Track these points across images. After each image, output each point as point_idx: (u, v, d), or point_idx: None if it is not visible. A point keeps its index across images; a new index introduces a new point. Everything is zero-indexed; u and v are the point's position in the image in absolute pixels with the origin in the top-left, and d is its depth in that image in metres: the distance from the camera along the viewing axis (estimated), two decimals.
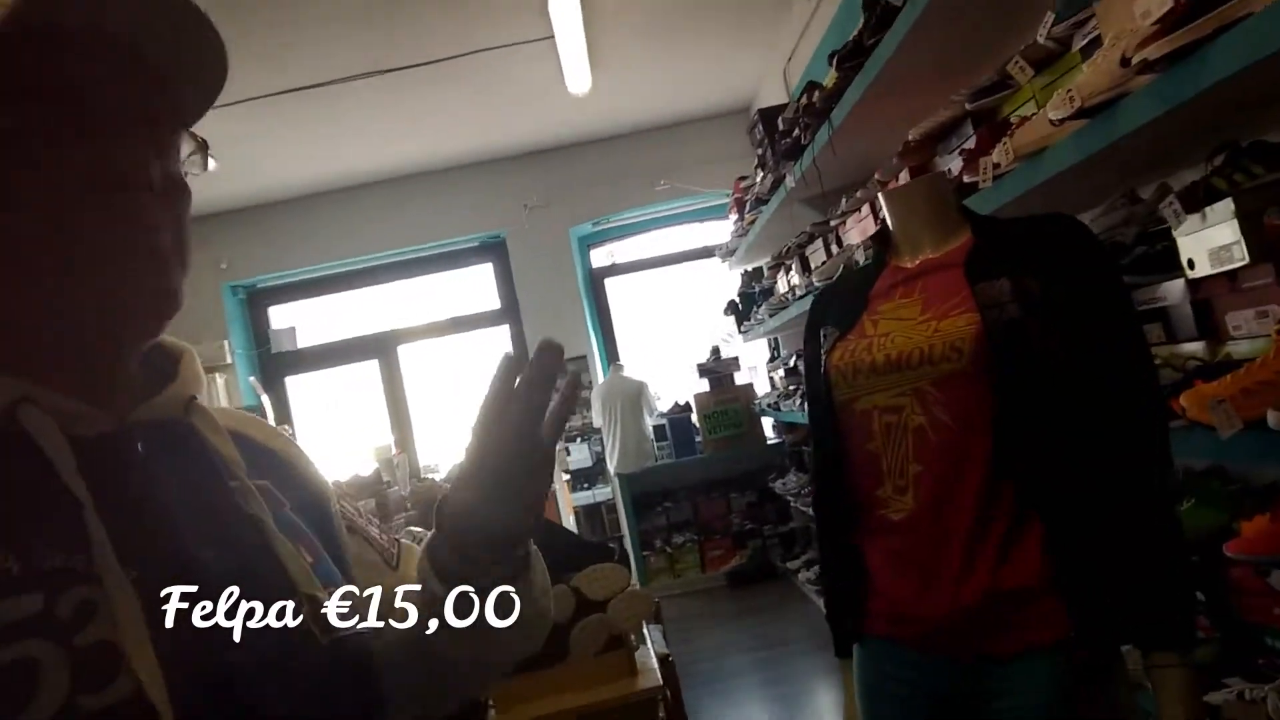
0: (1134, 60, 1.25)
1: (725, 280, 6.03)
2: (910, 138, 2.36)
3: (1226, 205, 1.37)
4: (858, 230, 3.15)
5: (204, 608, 0.55)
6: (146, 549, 0.55)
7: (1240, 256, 1.36)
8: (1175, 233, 1.52)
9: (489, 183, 6.14)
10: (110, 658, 0.50)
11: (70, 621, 0.50)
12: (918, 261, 1.25)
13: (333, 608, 0.62)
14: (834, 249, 3.43)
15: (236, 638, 0.56)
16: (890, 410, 1.16)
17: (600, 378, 6.19)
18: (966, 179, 1.88)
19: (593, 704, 2.00)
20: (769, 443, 5.90)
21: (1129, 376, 1.11)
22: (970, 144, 2.08)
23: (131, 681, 0.50)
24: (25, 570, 0.50)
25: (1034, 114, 1.78)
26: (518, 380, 0.65)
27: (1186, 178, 1.76)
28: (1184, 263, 1.51)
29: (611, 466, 6.00)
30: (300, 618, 0.60)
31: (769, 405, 5.39)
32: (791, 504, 5.32)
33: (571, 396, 0.67)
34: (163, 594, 0.53)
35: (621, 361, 6.17)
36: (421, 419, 6.57)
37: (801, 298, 3.78)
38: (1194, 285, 1.52)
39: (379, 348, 6.51)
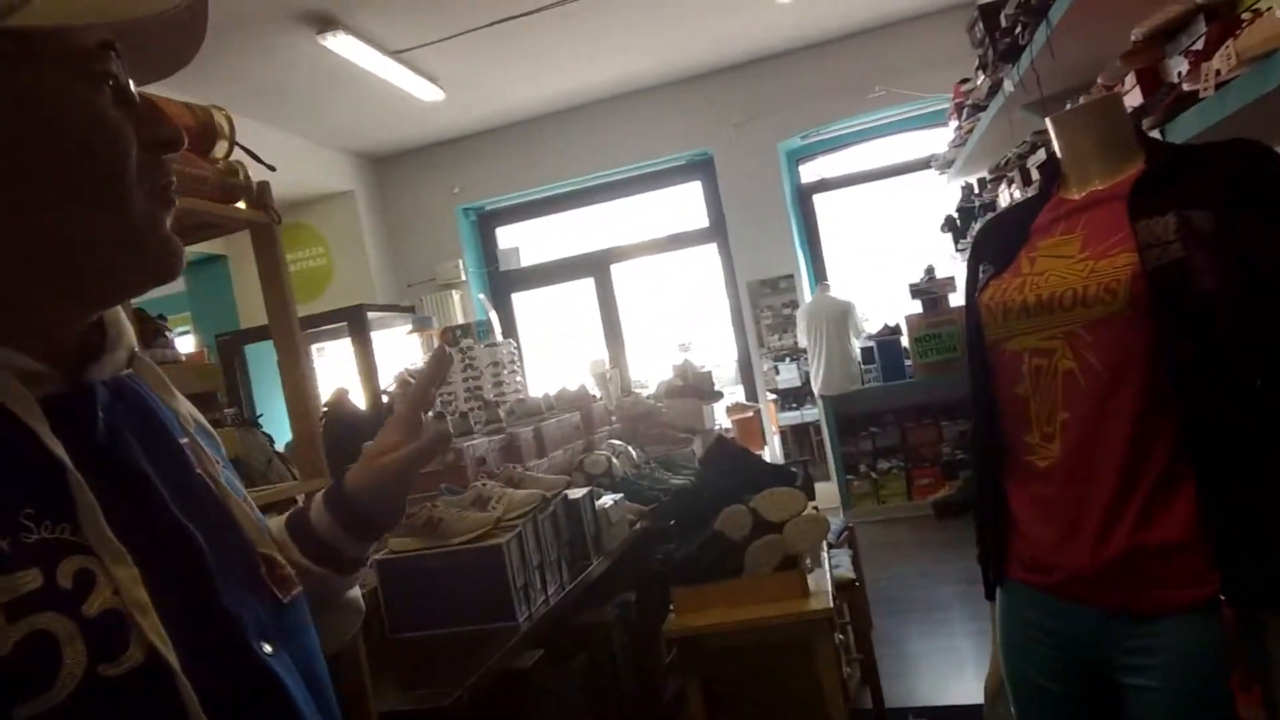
0: None
1: (942, 194, 5.66)
2: (1134, 36, 2.09)
3: None
4: None
5: (193, 569, 0.55)
6: (129, 512, 0.53)
7: None
8: None
9: (695, 100, 6.12)
10: (119, 625, 0.49)
11: (73, 592, 0.48)
12: (1084, 194, 1.15)
13: (288, 566, 0.64)
14: None
15: (226, 596, 0.56)
16: (1040, 353, 1.11)
17: (807, 297, 6.11)
18: (1187, 87, 1.65)
19: (763, 618, 2.09)
20: None
21: None
22: (1199, 44, 1.81)
23: (143, 647, 0.49)
24: (15, 545, 0.47)
25: (1270, 8, 1.53)
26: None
27: None
28: None
29: (816, 388, 5.96)
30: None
31: None
32: None
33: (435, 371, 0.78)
34: (154, 559, 0.53)
35: (829, 281, 6.04)
36: (633, 335, 6.84)
37: None
38: None
39: (595, 266, 6.81)
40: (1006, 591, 1.22)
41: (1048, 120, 1.22)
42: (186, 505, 0.57)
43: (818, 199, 6.45)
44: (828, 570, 2.37)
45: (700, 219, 6.62)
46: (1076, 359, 1.07)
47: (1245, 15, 1.59)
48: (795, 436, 6.85)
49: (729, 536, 2.20)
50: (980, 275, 1.22)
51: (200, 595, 0.54)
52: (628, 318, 6.84)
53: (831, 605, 2.11)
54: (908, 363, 5.70)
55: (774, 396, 6.51)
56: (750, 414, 6.00)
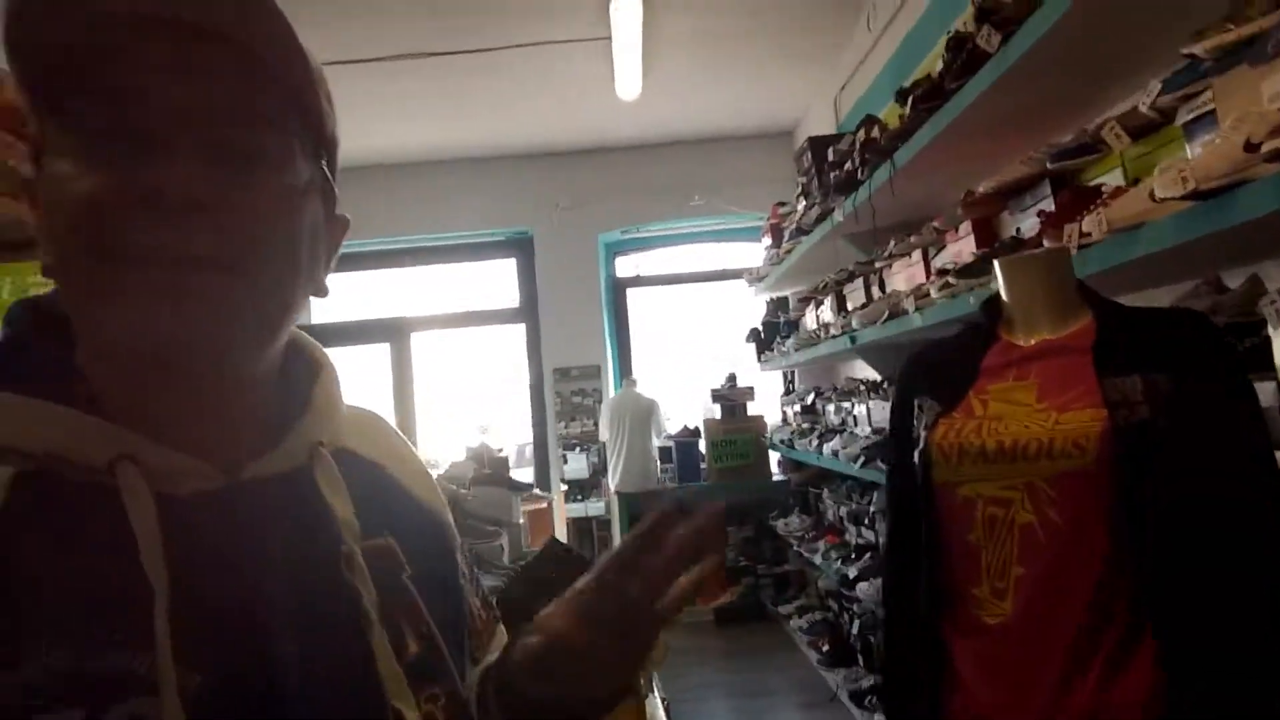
0: (1266, 147, 1.14)
1: (748, 305, 5.92)
2: (980, 190, 2.25)
3: None
4: (904, 276, 3.03)
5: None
6: (222, 647, 0.49)
7: None
8: (1272, 333, 1.40)
9: (524, 177, 6.05)
10: None
11: None
12: (1034, 341, 1.14)
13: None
14: (875, 291, 3.31)
15: None
16: (997, 502, 1.06)
17: (612, 391, 6.08)
18: (1046, 243, 1.76)
19: None
20: (774, 479, 5.77)
21: (1263, 491, 0.99)
22: (1047, 205, 1.96)
23: None
24: (74, 673, 0.44)
25: (1122, 184, 1.68)
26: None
27: (1274, 271, 1.65)
28: (1278, 364, 1.40)
29: (613, 483, 5.89)
30: None
31: (780, 441, 5.27)
32: (791, 547, 5.20)
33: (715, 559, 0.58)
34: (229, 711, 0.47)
35: (635, 377, 6.06)
36: (426, 409, 6.46)
37: (834, 336, 3.66)
38: None
39: (393, 331, 6.41)
40: None
41: (995, 263, 1.21)
42: (309, 635, 0.52)
43: (631, 293, 6.52)
44: (657, 695, 2.20)
45: (511, 297, 6.47)
46: (1036, 512, 1.03)
47: (1104, 187, 1.74)
48: (578, 529, 6.70)
49: None
50: (920, 409, 1.17)
51: None
52: (422, 390, 6.47)
53: None
54: (703, 466, 5.79)
55: (564, 487, 6.36)
56: (544, 505, 5.78)
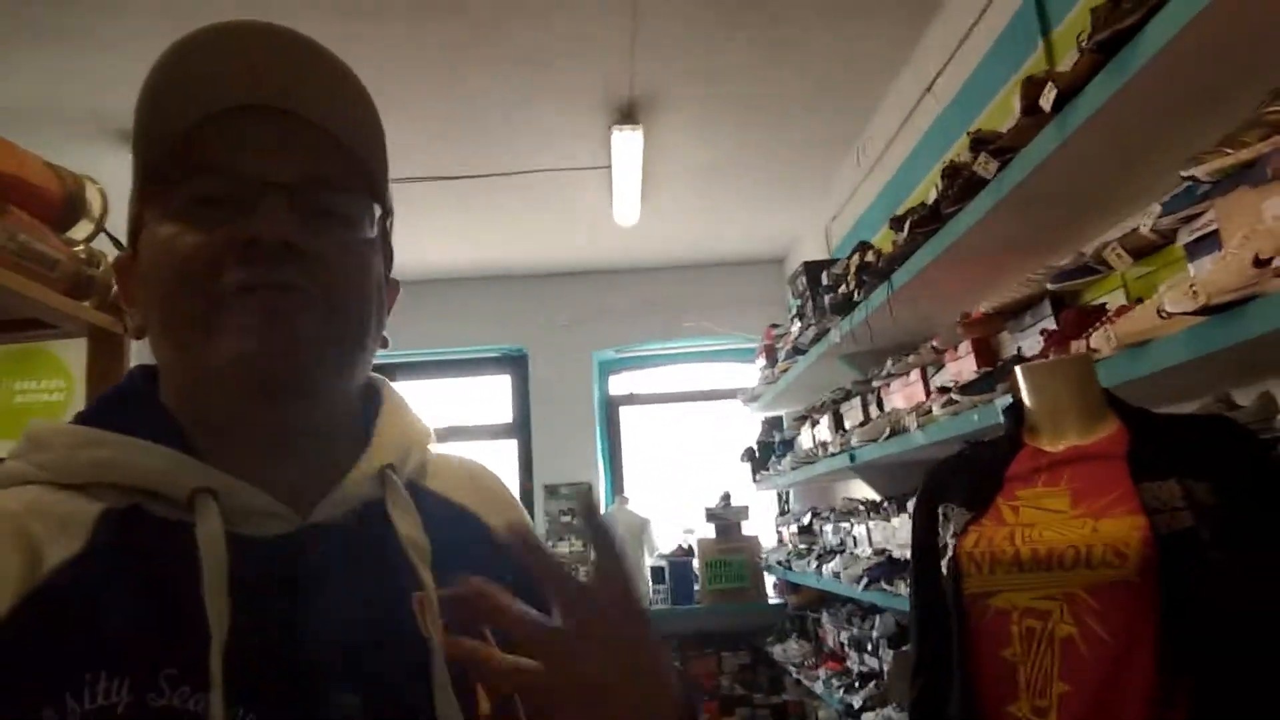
0: (1277, 262, 1.18)
1: (743, 425, 5.92)
2: (981, 310, 2.30)
3: None
4: (902, 395, 3.06)
5: None
6: (276, 691, 0.50)
7: None
8: None
9: (523, 296, 6.15)
10: None
11: None
12: (1062, 448, 1.13)
13: None
14: (873, 410, 3.33)
15: None
16: (1033, 614, 1.02)
17: (604, 509, 5.98)
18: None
19: None
20: (770, 602, 5.62)
21: None
22: (1049, 324, 2.01)
23: None
24: (136, 706, 0.46)
25: (1124, 303, 1.72)
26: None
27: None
28: None
29: None
30: None
31: (777, 562, 5.16)
32: (790, 674, 5.00)
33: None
34: None
35: (627, 495, 5.99)
36: None
37: (832, 455, 3.65)
38: None
39: None
40: None
41: (1017, 369, 1.22)
42: (370, 682, 0.52)
43: (624, 411, 6.52)
44: None
45: (504, 413, 6.45)
46: (1078, 624, 0.99)
47: (1107, 303, 1.78)
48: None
49: None
50: (945, 518, 1.15)
51: None
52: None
53: None
54: (696, 587, 5.64)
55: None
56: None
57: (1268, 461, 1.05)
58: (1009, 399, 2.07)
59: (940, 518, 1.16)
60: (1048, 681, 1.00)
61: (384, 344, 0.66)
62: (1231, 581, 0.95)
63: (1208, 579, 0.96)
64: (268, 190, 0.57)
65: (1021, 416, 1.20)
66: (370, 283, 0.63)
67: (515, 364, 6.40)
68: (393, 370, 6.37)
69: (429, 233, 5.30)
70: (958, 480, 1.19)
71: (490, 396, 6.53)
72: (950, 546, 1.11)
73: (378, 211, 0.65)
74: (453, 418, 6.46)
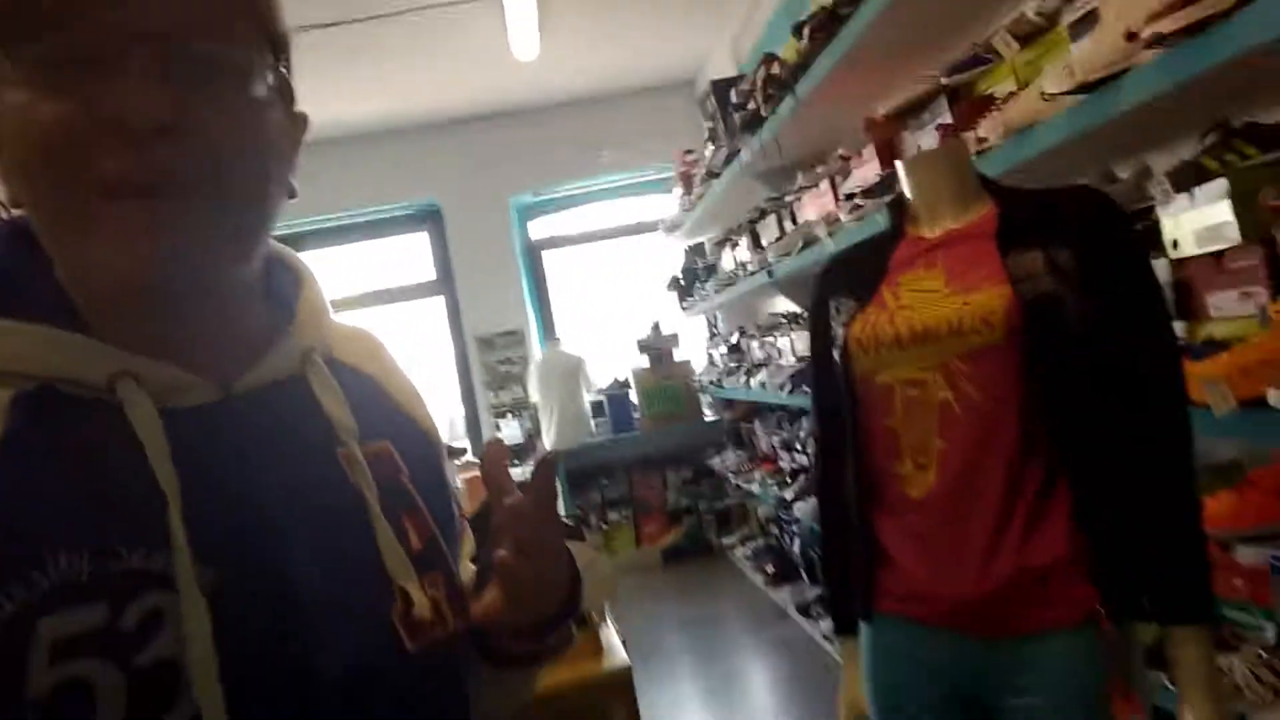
0: (1145, 34, 1.24)
1: (667, 255, 5.99)
2: (882, 112, 2.34)
3: (1220, 185, 1.37)
4: (815, 206, 3.13)
5: (286, 616, 0.51)
6: (233, 546, 0.51)
7: (1232, 236, 1.38)
8: (1161, 213, 1.53)
9: (425, 148, 5.93)
10: (170, 680, 0.47)
11: (133, 636, 0.47)
12: (939, 233, 1.21)
13: (425, 609, 0.57)
14: (788, 225, 3.41)
15: (318, 650, 0.52)
16: (913, 384, 1.13)
17: (537, 353, 6.08)
18: None
19: (559, 683, 1.94)
20: (707, 420, 5.91)
21: (1159, 352, 1.10)
22: (946, 119, 2.07)
23: (189, 708, 0.47)
24: (96, 572, 0.47)
25: (1014, 90, 1.78)
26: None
27: (1160, 160, 1.79)
28: (1168, 243, 1.53)
29: (548, 443, 5.92)
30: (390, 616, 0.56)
31: (709, 383, 5.39)
32: (729, 481, 5.35)
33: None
34: (241, 604, 0.50)
35: (559, 336, 6.08)
36: None
37: (753, 274, 3.76)
38: (1175, 265, 1.54)
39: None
40: (876, 625, 1.22)
41: (898, 163, 1.28)
42: (315, 531, 0.55)
43: (547, 255, 6.50)
44: (611, 625, 2.28)
45: (427, 270, 6.37)
46: (952, 389, 1.10)
47: (996, 94, 1.84)
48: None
49: None
50: (836, 310, 1.24)
51: (282, 651, 0.51)
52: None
53: (628, 663, 2.02)
54: (635, 415, 5.88)
55: None
56: (479, 471, 5.79)
57: (1124, 225, 1.15)
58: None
59: (832, 311, 1.25)
60: (927, 440, 1.12)
61: (291, 194, 0.60)
62: (1087, 339, 1.07)
63: (1066, 338, 1.07)
64: (134, 45, 0.49)
65: (904, 208, 1.27)
66: (268, 151, 0.56)
67: (430, 219, 6.26)
68: (301, 239, 6.17)
69: (317, 89, 4.99)
70: (847, 276, 1.27)
71: (411, 256, 6.42)
72: (840, 336, 1.20)
73: (270, 59, 0.57)
74: (374, 281, 6.36)
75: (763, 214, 3.84)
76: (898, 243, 1.24)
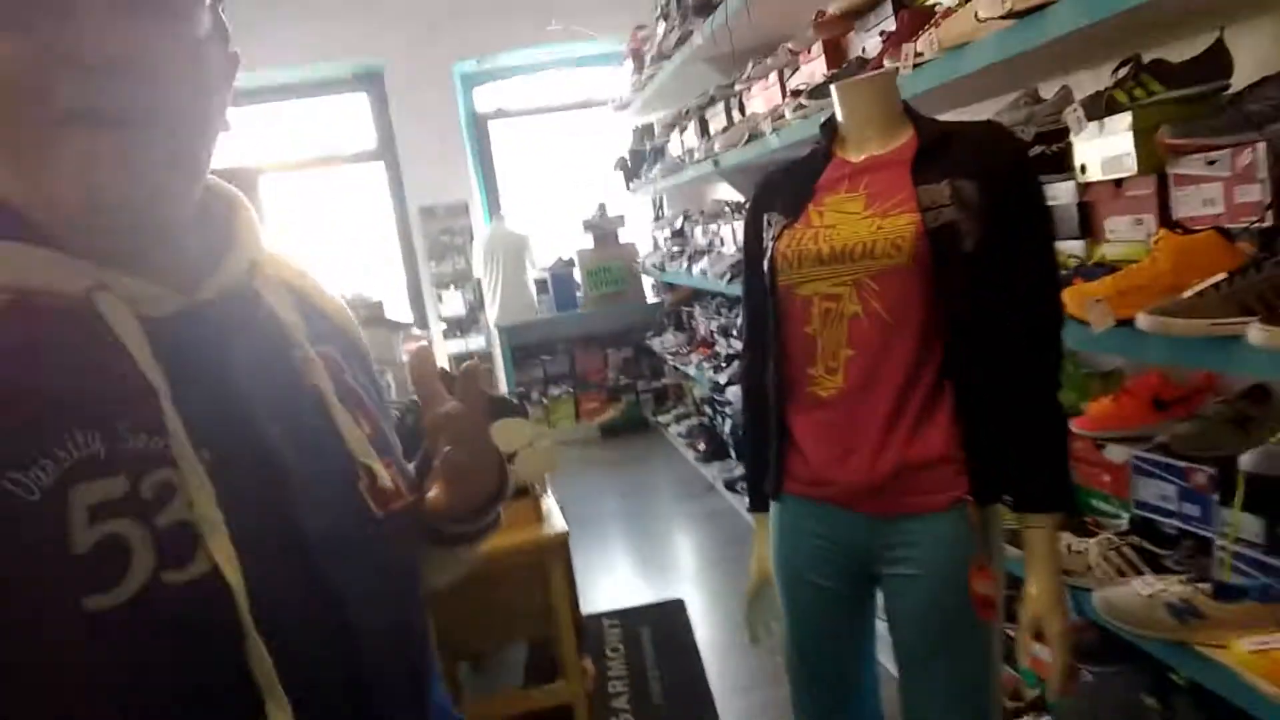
0: None
1: (615, 134, 5.92)
2: (830, 11, 2.36)
3: (1125, 119, 1.48)
4: (763, 98, 3.15)
5: (274, 486, 0.58)
6: (220, 430, 0.57)
7: (1130, 167, 1.49)
8: (1074, 139, 1.64)
9: (369, 5, 5.64)
10: (188, 538, 0.53)
11: (152, 502, 0.53)
12: (863, 157, 1.30)
13: (388, 480, 0.65)
14: (735, 115, 3.43)
15: (304, 513, 0.59)
16: (829, 298, 1.24)
17: (482, 227, 6.04)
18: (886, 62, 1.92)
19: (503, 547, 2.11)
20: (648, 301, 6.02)
21: (1041, 276, 1.24)
22: (889, 25, 2.11)
23: (208, 560, 0.53)
24: (111, 452, 0.52)
25: (958, 6, 1.83)
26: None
27: (1084, 81, 1.88)
28: (1077, 167, 1.64)
29: (491, 318, 5.98)
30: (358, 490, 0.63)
31: (652, 265, 5.47)
32: (667, 362, 5.52)
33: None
34: (236, 477, 0.56)
35: (504, 212, 6.04)
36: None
37: (699, 162, 3.79)
38: (1082, 188, 1.66)
39: (238, 180, 6.03)
40: (783, 504, 1.38)
41: (832, 88, 1.34)
42: (285, 418, 0.61)
43: (494, 126, 6.36)
44: (551, 495, 2.45)
45: (368, 137, 6.18)
46: (862, 304, 1.22)
47: (938, 6, 1.89)
48: (460, 365, 6.80)
49: None
50: (768, 224, 1.33)
51: (276, 515, 0.58)
52: (284, 239, 6.21)
53: (566, 529, 2.20)
54: (579, 294, 5.95)
55: (443, 326, 6.41)
56: (424, 343, 5.84)
57: (1023, 163, 1.25)
58: None
59: (765, 224, 1.34)
60: (838, 348, 1.25)
61: (226, 128, 0.64)
62: (981, 264, 1.19)
63: (963, 263, 1.19)
64: None
65: (835, 131, 1.35)
66: (210, 83, 0.60)
67: (372, 82, 6.02)
68: (238, 96, 5.90)
69: None
70: (780, 191, 1.36)
71: (350, 119, 6.20)
72: (769, 249, 1.30)
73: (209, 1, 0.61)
74: (312, 144, 6.16)
75: (712, 100, 3.84)
76: (826, 164, 1.32)
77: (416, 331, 6.06)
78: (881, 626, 1.37)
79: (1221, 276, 1.21)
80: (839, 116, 1.34)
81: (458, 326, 6.88)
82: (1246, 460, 1.38)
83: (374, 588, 0.62)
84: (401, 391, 4.14)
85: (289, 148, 6.12)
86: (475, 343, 6.72)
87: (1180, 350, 1.25)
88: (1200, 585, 1.40)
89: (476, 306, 6.24)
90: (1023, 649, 1.25)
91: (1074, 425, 1.77)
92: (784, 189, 1.35)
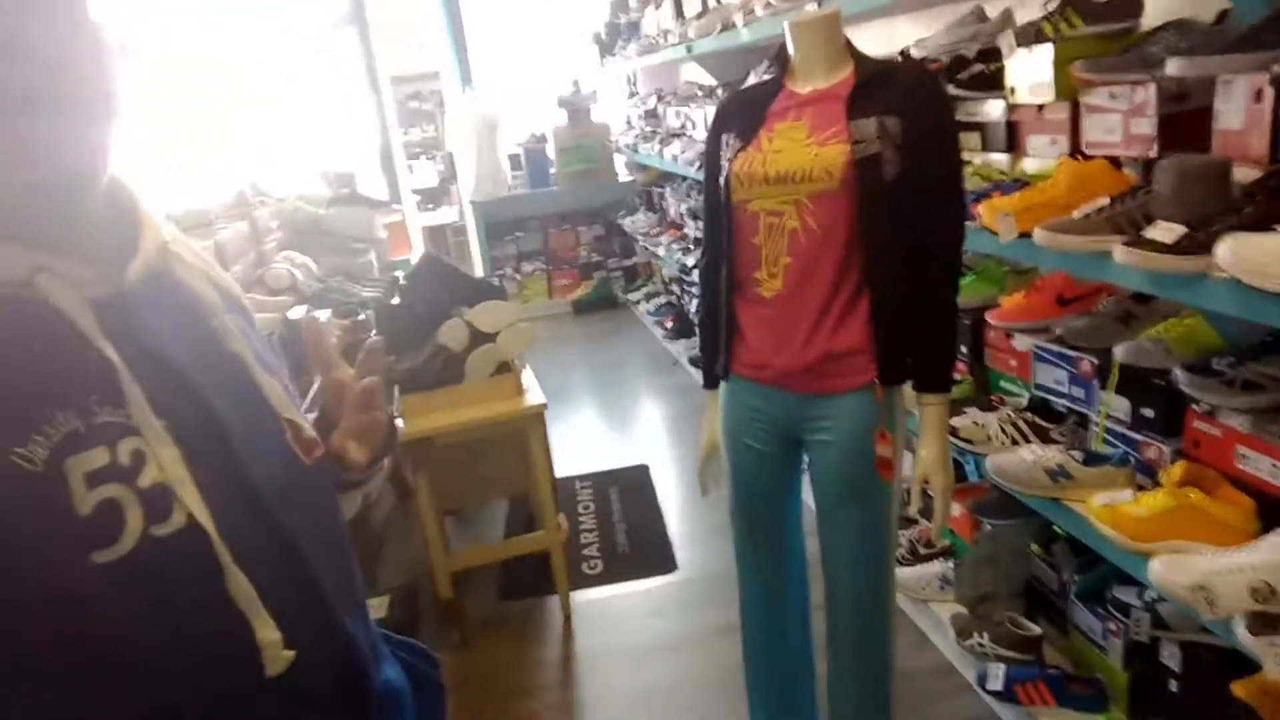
0: None
1: (589, 5, 5.84)
2: None
3: (1048, 49, 1.66)
4: None
5: (222, 444, 0.64)
6: (169, 399, 0.62)
7: (1049, 94, 1.68)
8: (1006, 62, 1.81)
9: None
10: (166, 496, 0.59)
11: (130, 468, 0.58)
12: (808, 90, 1.48)
13: (311, 431, 0.73)
14: (710, 4, 3.48)
15: (251, 467, 0.65)
16: (773, 214, 1.46)
17: (454, 96, 6.01)
18: None
19: (486, 417, 2.36)
20: (620, 180, 6.11)
21: (949, 204, 1.46)
22: None
23: (184, 514, 0.60)
24: (88, 427, 0.57)
25: None
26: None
27: (1029, 1, 2.02)
28: (1007, 88, 1.82)
29: (464, 194, 6.05)
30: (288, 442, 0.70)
31: (626, 145, 5.54)
32: (638, 241, 5.68)
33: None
34: (192, 440, 0.62)
35: (477, 85, 6.00)
36: (253, 135, 6.17)
37: (674, 45, 3.85)
38: (1011, 108, 1.85)
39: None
40: (730, 383, 1.64)
41: (785, 25, 1.50)
42: (217, 383, 0.66)
43: None
44: (530, 370, 2.69)
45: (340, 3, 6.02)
46: (800, 220, 1.44)
47: None
48: (433, 237, 6.91)
49: (450, 348, 2.39)
50: (726, 145, 1.52)
51: (228, 470, 0.64)
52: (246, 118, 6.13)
53: (544, 401, 2.45)
54: (552, 171, 6.02)
55: (417, 198, 6.47)
56: (398, 217, 5.93)
57: (942, 102, 1.45)
58: (818, 2, 2.33)
59: (723, 144, 1.53)
60: (779, 256, 1.48)
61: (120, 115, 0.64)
62: (899, 190, 1.39)
63: (884, 189, 1.39)
64: None
65: (786, 63, 1.52)
66: (108, 70, 0.61)
67: None
68: None
69: None
70: (737, 114, 1.54)
71: None
72: (725, 168, 1.50)
73: None
74: (277, 7, 5.99)
75: None
76: (777, 93, 1.51)
77: (395, 207, 6.13)
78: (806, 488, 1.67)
79: (1104, 201, 1.44)
80: (790, 51, 1.51)
81: (430, 198, 6.90)
82: (1120, 352, 1.65)
83: (313, 522, 0.71)
84: (383, 264, 4.30)
85: (251, 11, 5.95)
86: (448, 214, 6.77)
87: (1068, 261, 1.49)
88: (1073, 453, 1.70)
89: (450, 179, 6.26)
90: (915, 496, 1.56)
91: (990, 317, 2.03)
92: (740, 113, 1.53)
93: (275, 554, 0.65)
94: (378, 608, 2.51)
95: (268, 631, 0.62)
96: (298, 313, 2.39)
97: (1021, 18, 1.92)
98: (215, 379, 0.66)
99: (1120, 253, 1.30)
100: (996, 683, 1.98)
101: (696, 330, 4.41)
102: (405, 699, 0.81)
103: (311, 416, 0.81)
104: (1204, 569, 1.30)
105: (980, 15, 2.05)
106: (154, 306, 0.64)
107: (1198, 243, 1.21)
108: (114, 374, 0.58)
